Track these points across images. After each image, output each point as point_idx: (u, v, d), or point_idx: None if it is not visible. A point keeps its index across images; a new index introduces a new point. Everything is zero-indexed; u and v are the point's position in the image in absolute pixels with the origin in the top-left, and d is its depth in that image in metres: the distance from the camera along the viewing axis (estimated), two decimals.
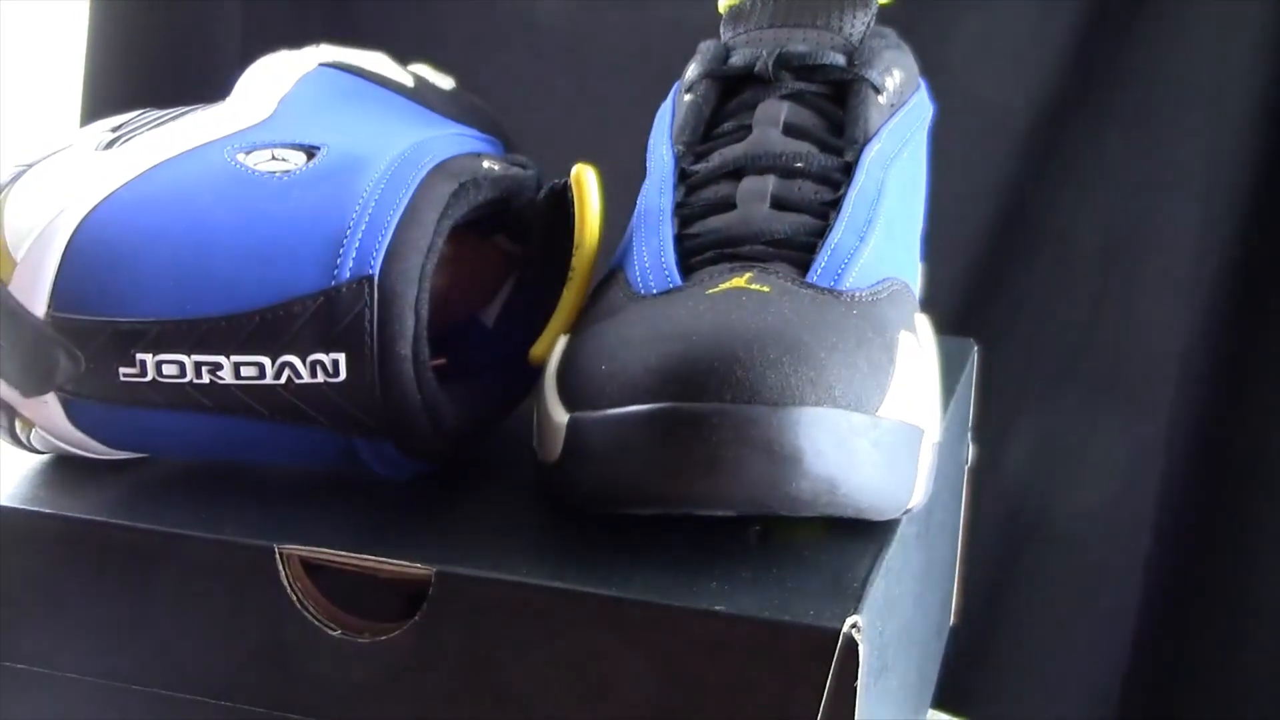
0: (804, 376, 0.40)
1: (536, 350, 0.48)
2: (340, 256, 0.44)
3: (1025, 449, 0.75)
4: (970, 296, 0.73)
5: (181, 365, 0.44)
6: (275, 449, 0.46)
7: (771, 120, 0.51)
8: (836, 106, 0.52)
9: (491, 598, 0.41)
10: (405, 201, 0.45)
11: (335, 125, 0.52)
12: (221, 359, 0.44)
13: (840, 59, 0.53)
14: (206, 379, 0.44)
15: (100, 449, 0.47)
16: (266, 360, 0.44)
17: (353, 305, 0.43)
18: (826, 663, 0.39)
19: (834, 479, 0.40)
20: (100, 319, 0.44)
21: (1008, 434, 0.74)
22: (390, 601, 0.43)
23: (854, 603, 0.40)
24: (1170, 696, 0.77)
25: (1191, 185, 0.73)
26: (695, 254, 0.47)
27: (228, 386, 0.44)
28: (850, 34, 0.54)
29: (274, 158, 0.48)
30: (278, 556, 0.43)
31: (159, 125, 0.49)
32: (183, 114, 0.51)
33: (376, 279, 0.43)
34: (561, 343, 0.47)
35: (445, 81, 0.63)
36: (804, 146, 0.50)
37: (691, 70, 0.55)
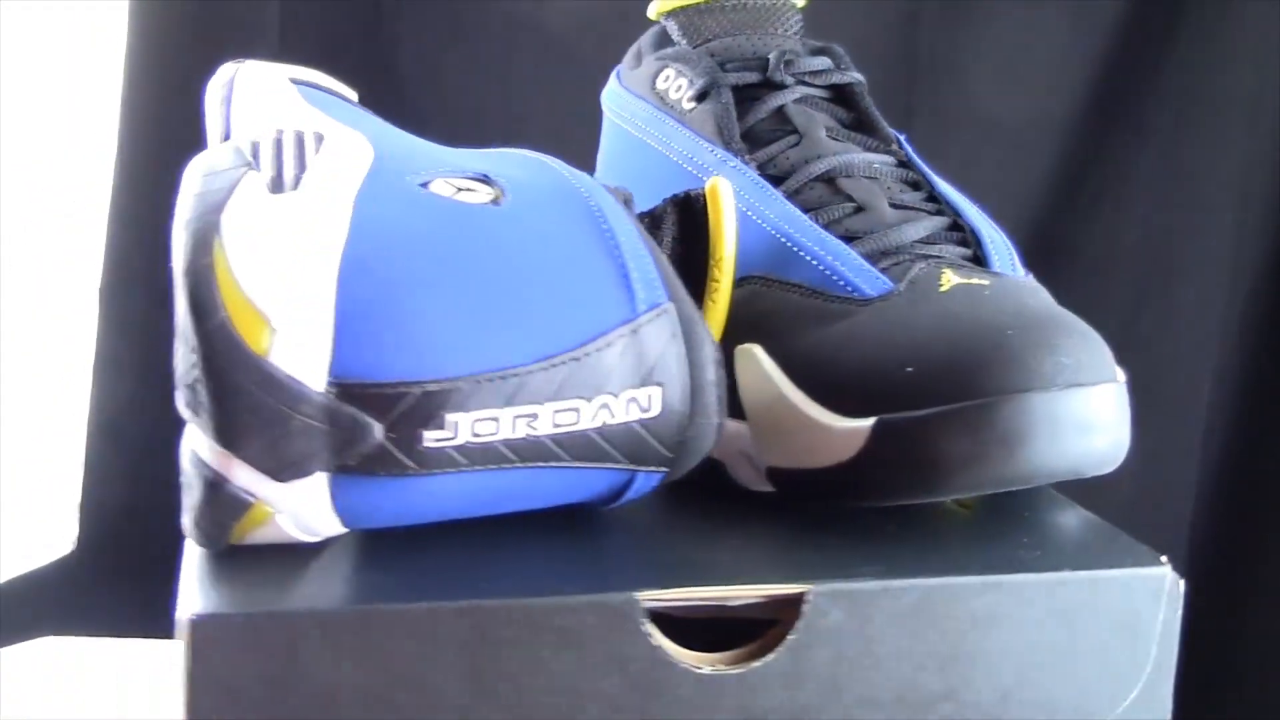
0: (1096, 357, 0.44)
1: None
2: (629, 288, 0.42)
3: None
4: None
5: (497, 421, 0.40)
6: (554, 494, 0.43)
7: (811, 124, 0.54)
8: (840, 107, 0.56)
9: (862, 603, 0.42)
10: (634, 226, 0.44)
11: (430, 148, 0.49)
12: (538, 409, 0.41)
13: (827, 62, 0.57)
14: (521, 433, 0.41)
15: (329, 530, 0.42)
16: (583, 403, 0.41)
17: (660, 336, 0.42)
18: (1156, 605, 0.44)
19: (1118, 443, 0.45)
20: (403, 382, 0.39)
21: None
22: None
23: (1135, 548, 0.46)
24: (1204, 705, 0.77)
25: (1227, 197, 0.74)
26: (870, 258, 0.49)
27: (540, 438, 0.41)
28: (799, 38, 0.58)
29: (459, 189, 0.44)
30: (638, 607, 0.41)
31: (306, 159, 0.44)
32: (298, 143, 0.45)
33: (675, 306, 0.42)
34: (759, 354, 0.47)
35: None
36: (859, 148, 0.54)
37: (685, 78, 0.56)
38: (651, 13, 0.60)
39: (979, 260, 0.50)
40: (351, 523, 0.42)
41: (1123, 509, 0.80)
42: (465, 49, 0.65)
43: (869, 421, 0.44)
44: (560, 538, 0.45)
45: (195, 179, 0.42)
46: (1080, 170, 0.76)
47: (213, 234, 0.40)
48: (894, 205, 0.51)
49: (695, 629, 0.43)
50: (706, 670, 0.42)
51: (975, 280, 0.47)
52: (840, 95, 0.56)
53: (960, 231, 0.51)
